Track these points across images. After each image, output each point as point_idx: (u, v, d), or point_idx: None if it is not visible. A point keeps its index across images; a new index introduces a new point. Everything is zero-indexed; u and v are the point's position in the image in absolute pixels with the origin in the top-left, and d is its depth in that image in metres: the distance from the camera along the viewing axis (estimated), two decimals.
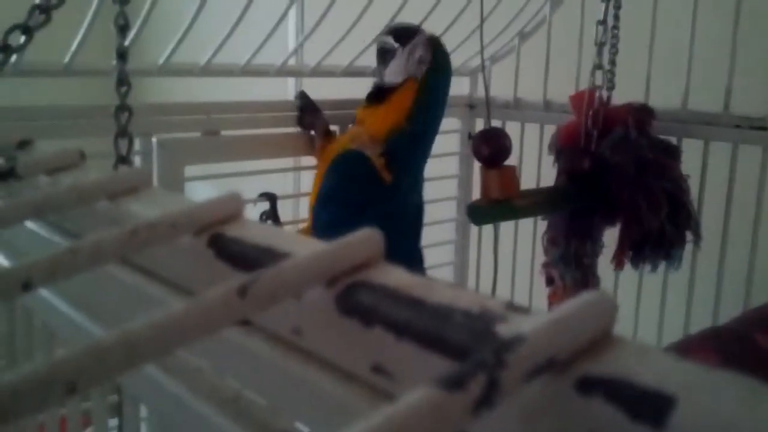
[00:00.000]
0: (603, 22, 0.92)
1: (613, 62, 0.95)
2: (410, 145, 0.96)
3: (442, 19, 1.06)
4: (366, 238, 0.17)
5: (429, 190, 1.14)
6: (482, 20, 0.99)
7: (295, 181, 1.54)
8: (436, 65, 0.95)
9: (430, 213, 1.16)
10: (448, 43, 1.10)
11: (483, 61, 1.06)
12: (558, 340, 0.12)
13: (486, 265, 1.12)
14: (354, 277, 0.17)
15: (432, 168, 1.16)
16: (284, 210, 1.54)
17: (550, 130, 1.04)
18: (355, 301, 0.16)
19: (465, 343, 0.14)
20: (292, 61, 1.13)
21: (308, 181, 1.16)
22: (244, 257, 0.19)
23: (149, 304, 0.26)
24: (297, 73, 1.21)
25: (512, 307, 0.15)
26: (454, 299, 0.15)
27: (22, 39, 0.61)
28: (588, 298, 0.13)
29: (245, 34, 0.93)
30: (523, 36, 1.13)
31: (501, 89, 1.14)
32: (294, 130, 1.11)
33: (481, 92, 1.12)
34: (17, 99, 0.83)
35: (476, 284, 1.17)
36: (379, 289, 0.16)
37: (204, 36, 0.91)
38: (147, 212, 0.24)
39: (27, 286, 0.18)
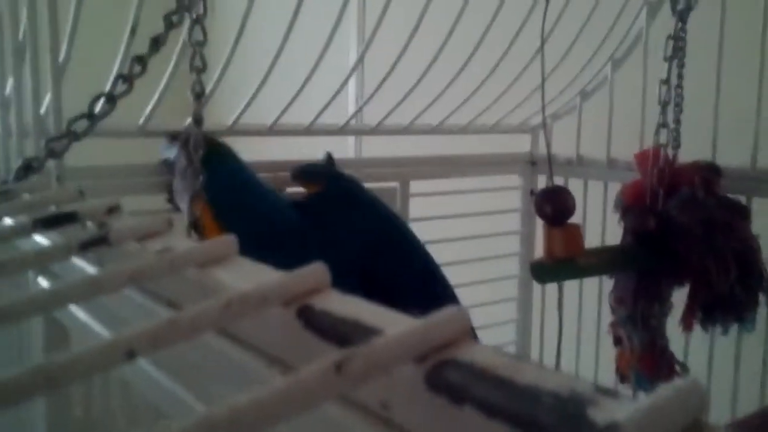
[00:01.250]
0: (666, 81, 0.92)
1: (677, 121, 0.94)
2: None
3: (504, 77, 1.08)
4: (453, 317, 0.18)
5: (490, 247, 1.13)
6: (543, 78, 1.00)
7: None
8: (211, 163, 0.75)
9: (491, 270, 1.16)
10: (510, 101, 1.11)
11: (544, 119, 1.07)
12: (651, 429, 0.13)
13: (550, 323, 1.11)
14: (442, 355, 0.17)
15: (493, 224, 1.16)
16: None
17: (613, 188, 1.03)
18: (445, 379, 0.17)
19: (557, 427, 0.14)
20: (352, 120, 1.16)
21: None
22: (332, 330, 0.20)
23: (235, 369, 0.27)
24: (359, 131, 1.25)
25: (601, 390, 0.15)
26: (542, 380, 0.15)
27: (105, 106, 0.65)
28: (679, 385, 0.14)
29: (308, 94, 0.97)
30: (584, 95, 1.14)
31: (563, 146, 1.15)
32: None
33: (542, 149, 1.13)
34: (91, 158, 0.86)
35: (540, 343, 1.15)
36: (468, 368, 0.16)
37: (268, 97, 0.95)
38: (234, 281, 0.26)
39: (131, 355, 0.20)
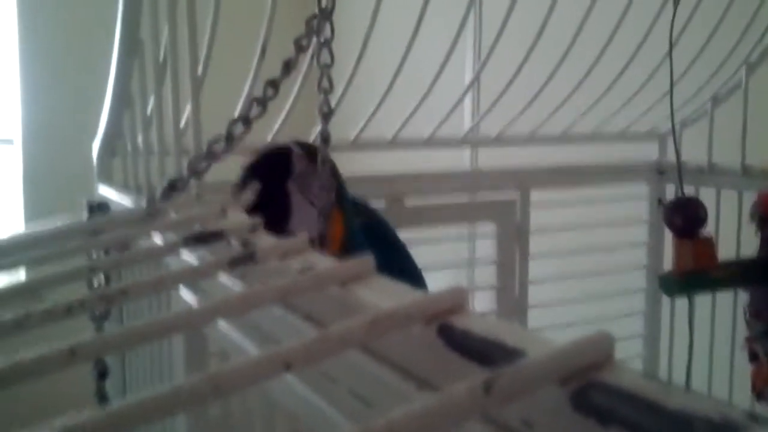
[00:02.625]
0: None
1: None
2: None
3: (631, 82, 1.05)
4: (597, 340, 0.18)
5: (615, 259, 1.10)
6: (672, 83, 0.97)
7: (470, 249, 1.56)
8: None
9: (616, 282, 1.12)
10: (638, 106, 1.08)
11: (674, 125, 1.03)
12: None
13: (680, 338, 1.06)
14: (588, 377, 0.18)
15: (618, 235, 1.12)
16: (461, 276, 1.56)
17: (749, 197, 0.97)
18: (592, 401, 0.17)
19: None
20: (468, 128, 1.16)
21: (483, 247, 1.18)
22: (474, 349, 0.21)
23: (369, 381, 0.28)
24: (479, 142, 1.24)
25: (754, 417, 0.15)
26: (693, 405, 0.15)
27: (241, 128, 0.69)
28: None
29: (422, 105, 0.98)
30: (716, 99, 1.08)
31: (693, 154, 1.10)
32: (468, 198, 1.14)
33: (671, 157, 1.08)
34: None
35: (669, 360, 1.10)
36: (615, 391, 0.17)
37: (383, 110, 0.97)
38: (375, 299, 0.27)
39: (287, 368, 0.21)
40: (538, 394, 0.18)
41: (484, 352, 0.21)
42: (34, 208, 2.36)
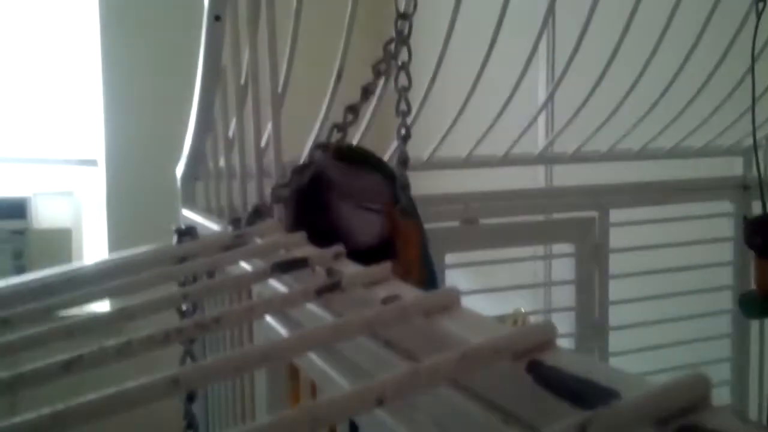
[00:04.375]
0: None
1: None
2: None
3: (713, 95, 1.02)
4: (693, 381, 0.18)
5: (699, 279, 1.07)
6: (754, 96, 0.94)
7: (546, 269, 1.53)
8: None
9: (701, 304, 1.08)
10: (719, 121, 1.05)
11: (756, 139, 0.99)
12: None
13: None
14: (684, 420, 0.17)
15: (702, 254, 1.09)
16: (537, 296, 1.53)
17: None
18: None
19: None
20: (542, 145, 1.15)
21: (561, 268, 1.16)
22: (565, 388, 0.21)
23: (451, 412, 0.28)
24: (555, 160, 1.23)
25: None
26: None
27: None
28: None
29: (497, 124, 0.98)
30: None
31: None
32: (543, 217, 1.12)
33: (756, 172, 1.05)
34: None
35: (759, 385, 1.06)
36: None
37: (455, 129, 0.97)
38: (460, 332, 0.27)
39: (380, 402, 0.22)
40: None
41: (576, 391, 0.21)
42: (117, 228, 2.45)
